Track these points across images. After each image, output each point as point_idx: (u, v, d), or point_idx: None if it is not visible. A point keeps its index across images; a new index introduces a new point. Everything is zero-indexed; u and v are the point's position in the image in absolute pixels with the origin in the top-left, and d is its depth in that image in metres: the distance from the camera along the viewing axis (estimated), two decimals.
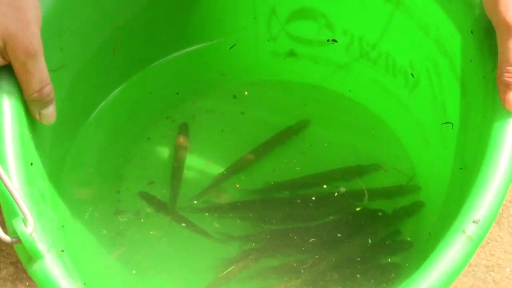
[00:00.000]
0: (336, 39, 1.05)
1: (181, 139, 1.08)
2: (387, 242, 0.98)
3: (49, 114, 0.80)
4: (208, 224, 1.01)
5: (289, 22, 1.06)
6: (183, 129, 1.09)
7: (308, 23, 1.04)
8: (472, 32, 0.80)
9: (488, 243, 1.19)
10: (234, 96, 1.11)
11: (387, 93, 1.05)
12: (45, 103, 0.78)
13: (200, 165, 1.06)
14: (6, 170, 0.72)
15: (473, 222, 0.69)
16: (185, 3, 1.01)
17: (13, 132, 0.74)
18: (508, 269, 1.16)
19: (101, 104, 1.02)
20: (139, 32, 1.00)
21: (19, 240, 0.71)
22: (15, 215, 0.70)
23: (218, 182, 1.05)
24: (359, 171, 1.04)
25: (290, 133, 1.08)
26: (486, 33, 0.78)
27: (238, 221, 1.01)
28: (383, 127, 1.07)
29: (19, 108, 0.75)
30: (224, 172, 1.05)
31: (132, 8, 0.96)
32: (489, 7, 0.76)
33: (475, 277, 1.16)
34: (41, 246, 0.70)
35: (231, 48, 1.08)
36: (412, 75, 1.00)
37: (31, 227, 0.71)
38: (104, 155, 1.04)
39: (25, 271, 1.15)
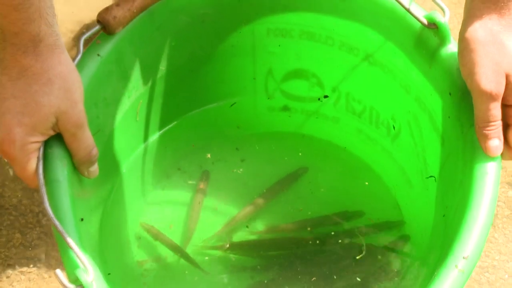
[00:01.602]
0: (327, 95, 1.18)
1: (202, 185, 1.21)
2: (379, 273, 1.11)
3: (95, 170, 0.93)
4: (222, 260, 1.13)
5: (284, 81, 1.18)
6: (205, 176, 1.21)
7: (301, 82, 1.17)
8: (450, 94, 0.93)
9: None
10: (237, 149, 1.23)
11: (371, 141, 1.18)
12: (92, 163, 0.91)
13: (213, 209, 1.19)
14: (65, 228, 0.83)
15: (463, 258, 0.82)
16: (194, 69, 1.13)
17: (66, 193, 0.85)
18: (502, 271, 1.24)
19: (129, 159, 1.13)
20: (157, 97, 1.11)
21: None
22: (76, 266, 0.81)
23: (230, 224, 1.17)
24: (348, 215, 1.17)
25: (291, 179, 1.21)
26: (463, 95, 0.91)
27: (249, 258, 1.13)
28: (369, 171, 1.21)
29: (69, 171, 0.87)
30: (236, 216, 1.17)
31: (152, 78, 1.08)
32: (465, 75, 0.90)
33: (470, 278, 1.17)
34: None
35: (231, 106, 1.20)
36: (393, 127, 1.12)
37: (91, 276, 0.82)
38: (129, 205, 1.15)
39: (23, 273, 1.26)
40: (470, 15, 0.90)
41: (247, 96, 1.21)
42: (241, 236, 1.16)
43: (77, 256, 0.82)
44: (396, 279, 1.11)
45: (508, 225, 1.29)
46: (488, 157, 0.87)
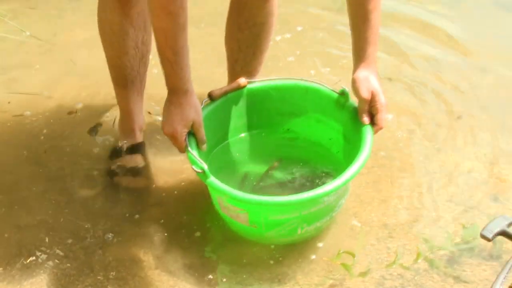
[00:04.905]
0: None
1: (275, 164, 2.36)
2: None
3: (205, 146, 2.10)
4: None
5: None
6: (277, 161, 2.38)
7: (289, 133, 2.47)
8: (351, 119, 2.15)
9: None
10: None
11: (323, 148, 2.40)
12: (204, 142, 2.09)
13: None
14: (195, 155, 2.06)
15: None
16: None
17: (196, 150, 2.08)
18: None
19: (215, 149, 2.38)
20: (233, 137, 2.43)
21: (203, 172, 1.99)
22: (197, 162, 1.99)
23: (268, 172, 2.33)
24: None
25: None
26: (355, 118, 2.12)
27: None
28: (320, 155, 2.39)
29: (196, 145, 2.10)
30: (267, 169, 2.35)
31: (232, 124, 2.41)
32: (355, 93, 2.06)
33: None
34: (209, 174, 1.99)
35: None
36: (330, 140, 2.32)
37: (206, 167, 1.99)
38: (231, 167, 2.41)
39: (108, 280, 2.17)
40: (355, 66, 2.03)
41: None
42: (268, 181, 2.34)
43: (197, 159, 1.99)
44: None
45: None
46: (366, 125, 2.06)
